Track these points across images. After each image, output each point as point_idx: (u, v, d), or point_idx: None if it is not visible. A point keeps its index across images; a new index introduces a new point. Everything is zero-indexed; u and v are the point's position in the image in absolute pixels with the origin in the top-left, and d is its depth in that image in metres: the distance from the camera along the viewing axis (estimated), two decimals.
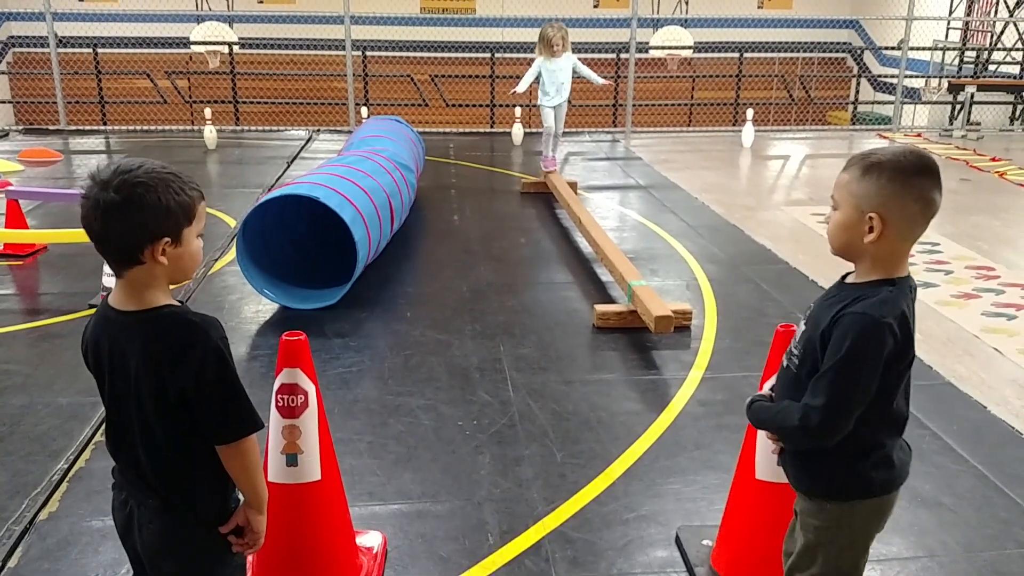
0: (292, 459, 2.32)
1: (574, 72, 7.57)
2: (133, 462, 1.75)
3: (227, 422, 1.71)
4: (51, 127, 11.21)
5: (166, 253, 1.64)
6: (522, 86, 7.57)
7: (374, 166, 5.81)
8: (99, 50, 12.94)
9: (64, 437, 3.41)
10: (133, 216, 1.60)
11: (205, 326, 1.67)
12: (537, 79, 7.54)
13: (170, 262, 1.65)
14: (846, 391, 1.73)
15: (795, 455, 1.91)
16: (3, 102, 13.29)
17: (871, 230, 1.74)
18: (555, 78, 7.45)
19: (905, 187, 1.72)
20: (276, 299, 4.84)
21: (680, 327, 4.51)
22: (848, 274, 1.87)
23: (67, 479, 3.14)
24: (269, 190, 4.99)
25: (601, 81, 7.75)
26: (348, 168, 5.56)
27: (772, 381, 2.04)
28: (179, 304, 1.71)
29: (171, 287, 1.73)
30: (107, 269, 4.75)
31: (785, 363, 1.92)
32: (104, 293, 4.80)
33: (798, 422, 1.78)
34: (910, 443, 1.94)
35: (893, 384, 1.78)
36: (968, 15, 14.65)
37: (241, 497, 1.81)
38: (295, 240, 5.46)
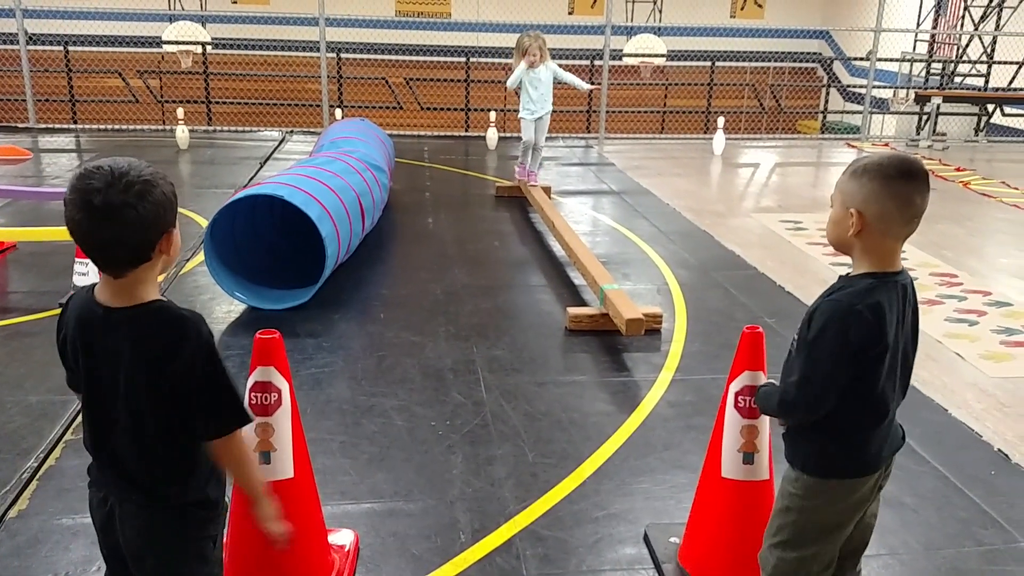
0: (265, 456, 2.34)
1: (556, 80, 7.44)
2: (116, 458, 1.75)
3: (220, 416, 1.73)
4: (20, 125, 11.08)
5: (171, 245, 1.68)
6: (512, 81, 7.42)
7: (343, 166, 5.82)
8: (70, 48, 12.81)
9: (34, 436, 3.39)
10: (147, 215, 1.61)
11: (195, 320, 1.70)
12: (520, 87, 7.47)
13: (170, 254, 1.70)
14: (814, 368, 1.88)
15: (787, 428, 2.06)
16: None
17: (853, 225, 1.89)
18: (534, 90, 7.35)
19: (883, 187, 1.87)
20: (247, 300, 4.84)
21: (651, 330, 4.57)
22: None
23: (37, 477, 3.13)
24: (240, 190, 4.97)
25: (587, 86, 7.65)
26: (316, 169, 5.57)
27: None
28: (165, 298, 1.73)
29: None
30: (79, 268, 4.72)
31: (790, 348, 2.05)
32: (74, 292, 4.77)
33: (778, 397, 1.99)
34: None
35: (869, 370, 1.88)
36: (935, 28, 14.94)
37: (221, 490, 1.83)
38: (265, 242, 5.46)
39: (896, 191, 1.86)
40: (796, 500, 2.03)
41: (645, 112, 13.97)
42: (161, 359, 1.66)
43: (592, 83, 8.14)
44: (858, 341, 1.84)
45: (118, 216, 1.58)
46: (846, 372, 1.87)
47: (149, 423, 1.71)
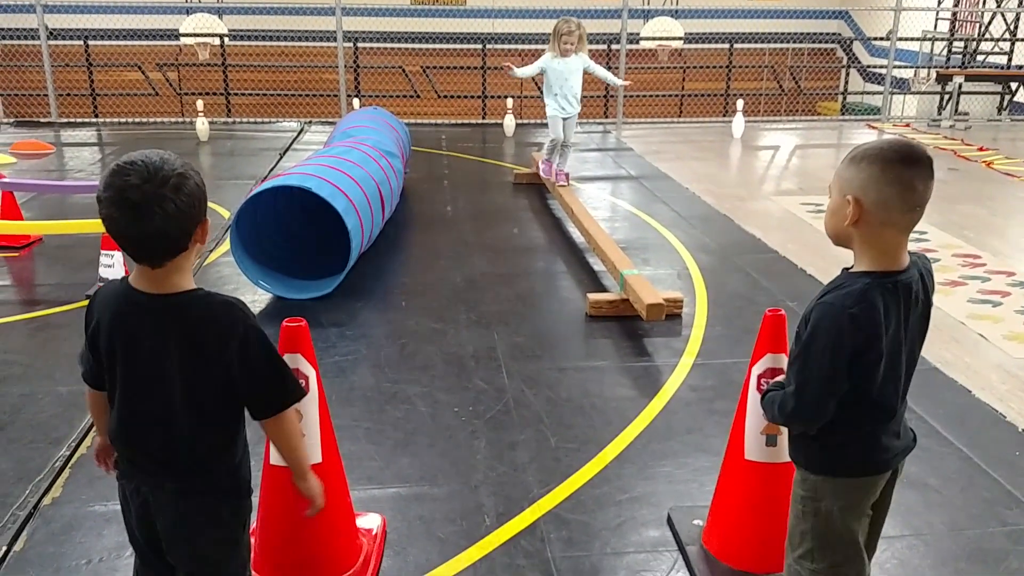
0: None
1: (586, 73, 6.90)
2: (151, 448, 1.78)
3: (275, 395, 1.79)
4: (42, 119, 11.20)
5: (205, 234, 1.73)
6: (522, 71, 6.93)
7: (361, 156, 5.85)
8: (90, 42, 12.91)
9: (65, 425, 3.46)
10: (184, 206, 1.65)
11: (241, 305, 1.76)
12: (542, 76, 6.91)
13: (203, 243, 1.75)
14: (807, 376, 1.82)
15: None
16: None
17: (851, 214, 1.80)
18: (561, 80, 6.75)
19: (882, 172, 1.77)
20: (271, 290, 4.89)
21: (671, 315, 4.57)
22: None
23: (69, 466, 3.19)
24: (262, 181, 5.01)
25: (620, 81, 7.20)
26: (337, 159, 5.60)
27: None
28: (201, 287, 1.77)
29: None
30: (105, 261, 4.79)
31: None
32: (101, 283, 4.83)
33: (777, 409, 1.91)
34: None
35: (866, 374, 1.82)
36: (956, 5, 14.74)
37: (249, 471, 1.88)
38: (288, 231, 5.50)
39: (896, 176, 1.76)
40: (808, 502, 1.96)
41: (663, 96, 13.89)
42: (213, 347, 1.71)
43: (614, 73, 7.71)
44: (852, 346, 1.77)
45: (158, 209, 1.62)
46: (842, 378, 1.80)
47: (193, 410, 1.74)
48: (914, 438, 2.00)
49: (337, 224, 4.79)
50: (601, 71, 7.03)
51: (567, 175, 7.12)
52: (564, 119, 6.91)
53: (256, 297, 4.93)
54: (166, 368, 1.72)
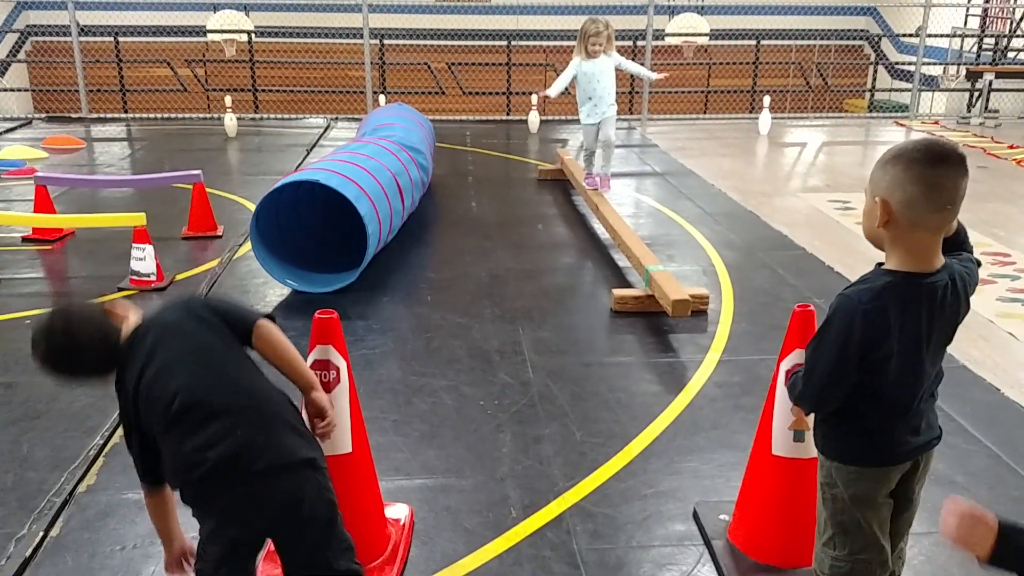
0: None
1: (619, 70, 6.57)
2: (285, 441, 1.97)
3: (247, 311, 2.13)
4: (73, 115, 11.36)
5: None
6: (554, 89, 6.53)
7: (376, 149, 5.91)
8: (120, 38, 13.07)
9: (99, 414, 3.52)
10: None
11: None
12: (575, 83, 6.53)
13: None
14: (815, 361, 1.89)
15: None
16: (23, 90, 13.45)
17: (880, 216, 1.80)
18: (594, 83, 6.39)
19: (906, 171, 1.76)
20: (298, 286, 4.93)
21: (697, 311, 4.57)
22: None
23: (103, 454, 3.26)
24: (280, 180, 5.07)
25: (654, 75, 6.93)
26: (351, 153, 5.67)
27: None
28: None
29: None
30: (136, 254, 4.86)
31: None
32: (132, 278, 4.91)
33: (789, 388, 2.03)
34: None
35: (876, 370, 1.83)
36: (987, 1, 14.55)
37: None
38: (311, 229, 5.56)
39: (920, 174, 1.75)
40: (826, 488, 2.00)
41: (688, 92, 13.82)
42: (209, 314, 2.07)
43: (648, 67, 7.35)
44: (859, 342, 1.80)
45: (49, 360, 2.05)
46: (849, 370, 1.83)
47: (256, 380, 2.05)
48: (939, 435, 2.00)
49: (355, 217, 4.83)
50: (633, 67, 6.80)
51: (608, 179, 6.71)
52: (599, 123, 6.53)
53: (283, 291, 4.98)
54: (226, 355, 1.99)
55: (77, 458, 3.21)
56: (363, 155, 5.61)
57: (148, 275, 4.91)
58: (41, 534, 2.77)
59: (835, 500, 1.99)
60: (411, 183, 5.99)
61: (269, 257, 4.94)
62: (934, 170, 1.75)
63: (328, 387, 2.38)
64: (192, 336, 1.98)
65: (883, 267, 1.86)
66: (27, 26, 14.91)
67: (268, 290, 5.02)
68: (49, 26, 12.88)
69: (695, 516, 2.87)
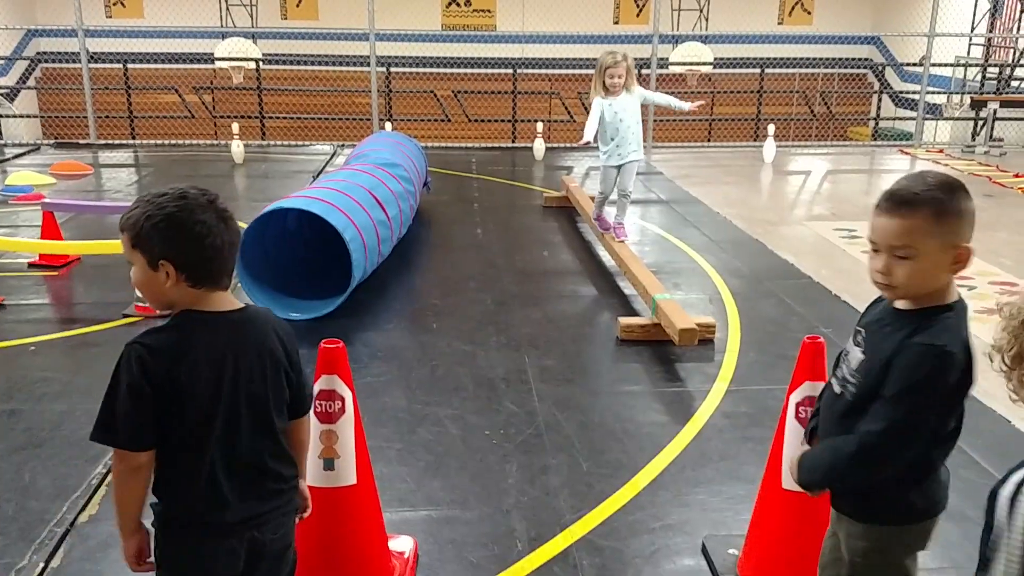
0: (329, 463, 2.39)
1: (646, 104, 6.00)
2: (269, 468, 1.80)
3: (309, 389, 1.95)
4: (81, 141, 11.42)
5: None
6: (588, 132, 5.79)
7: (348, 173, 6.10)
8: (128, 65, 13.18)
9: None
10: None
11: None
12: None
13: None
14: (908, 420, 1.72)
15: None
16: (32, 116, 13.55)
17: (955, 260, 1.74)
18: (616, 122, 5.76)
19: (968, 213, 1.74)
20: (302, 317, 4.89)
21: (704, 340, 4.55)
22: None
23: (105, 483, 3.22)
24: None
25: (687, 105, 6.09)
26: (326, 180, 5.92)
27: (812, 422, 2.03)
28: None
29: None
30: None
31: (838, 391, 1.89)
32: (138, 304, 4.90)
33: (855, 447, 1.76)
34: None
35: (953, 412, 1.78)
36: (990, 31, 14.63)
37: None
38: (301, 260, 5.60)
39: (973, 215, 1.74)
40: (874, 556, 1.88)
41: (692, 120, 13.88)
42: (289, 344, 1.83)
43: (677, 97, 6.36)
44: (953, 386, 1.73)
45: (234, 222, 1.75)
46: (937, 420, 1.74)
47: (277, 417, 1.81)
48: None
49: (339, 239, 4.83)
50: (662, 98, 6.13)
51: (624, 228, 6.10)
52: (620, 166, 5.89)
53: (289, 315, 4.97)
54: (258, 380, 1.77)
55: (79, 487, 3.18)
56: (336, 180, 5.80)
57: None
58: (42, 565, 2.74)
59: (881, 566, 1.89)
60: (392, 194, 5.92)
61: (264, 294, 4.96)
62: (879, 208, 1.77)
63: (333, 418, 2.36)
64: None
65: (924, 308, 1.77)
66: (37, 53, 15.07)
67: None
68: (59, 53, 13.00)
69: (704, 550, 2.83)
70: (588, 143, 5.91)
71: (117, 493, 1.76)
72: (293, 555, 1.93)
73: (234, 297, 1.80)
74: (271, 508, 1.80)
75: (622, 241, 6.00)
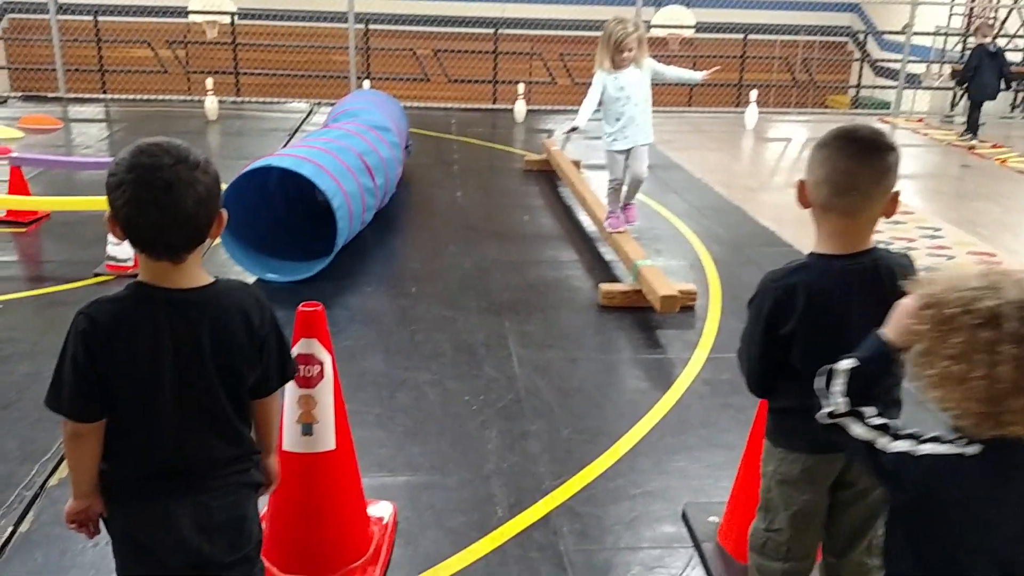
0: (307, 428, 2.34)
1: (656, 81, 5.12)
2: (214, 446, 1.69)
3: (285, 369, 1.80)
4: (50, 94, 11.13)
5: (220, 226, 1.66)
6: (581, 118, 5.09)
7: (342, 133, 5.81)
8: (99, 18, 12.81)
9: None
10: (214, 191, 1.60)
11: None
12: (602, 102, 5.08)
13: (214, 236, 1.67)
14: (743, 340, 1.98)
15: None
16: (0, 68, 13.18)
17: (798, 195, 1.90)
18: (624, 100, 4.99)
19: (815, 153, 1.83)
20: (279, 278, 4.81)
21: (685, 307, 4.52)
22: None
23: None
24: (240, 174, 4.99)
25: (700, 75, 5.35)
26: (315, 139, 5.63)
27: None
28: (218, 277, 1.74)
29: None
30: (112, 239, 4.74)
31: None
32: (108, 263, 4.79)
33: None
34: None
35: (783, 345, 1.86)
36: (972, 1, 14.60)
37: None
38: (281, 220, 5.46)
39: (825, 157, 1.79)
40: (763, 466, 2.06)
41: (672, 85, 13.77)
42: (261, 325, 1.71)
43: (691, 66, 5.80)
44: (766, 316, 1.85)
45: (191, 192, 1.55)
46: (762, 347, 1.89)
47: (234, 400, 1.69)
48: None
49: (325, 200, 4.72)
50: (674, 72, 5.32)
51: (634, 209, 5.46)
52: (629, 151, 5.13)
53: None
54: (204, 362, 1.64)
55: (49, 450, 3.11)
56: (326, 139, 5.54)
57: (125, 260, 4.79)
58: (10, 529, 2.68)
59: (764, 477, 2.05)
60: (381, 161, 5.76)
61: (244, 252, 4.84)
62: (838, 152, 1.79)
63: (311, 382, 2.31)
64: None
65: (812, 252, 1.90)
66: (4, 2, 14.60)
67: (247, 279, 4.91)
68: (27, 3, 12.59)
69: (684, 517, 2.83)
70: (575, 129, 5.16)
71: (66, 456, 1.76)
72: (257, 529, 1.82)
73: (204, 271, 1.68)
74: (218, 482, 1.71)
75: (623, 231, 5.31)
